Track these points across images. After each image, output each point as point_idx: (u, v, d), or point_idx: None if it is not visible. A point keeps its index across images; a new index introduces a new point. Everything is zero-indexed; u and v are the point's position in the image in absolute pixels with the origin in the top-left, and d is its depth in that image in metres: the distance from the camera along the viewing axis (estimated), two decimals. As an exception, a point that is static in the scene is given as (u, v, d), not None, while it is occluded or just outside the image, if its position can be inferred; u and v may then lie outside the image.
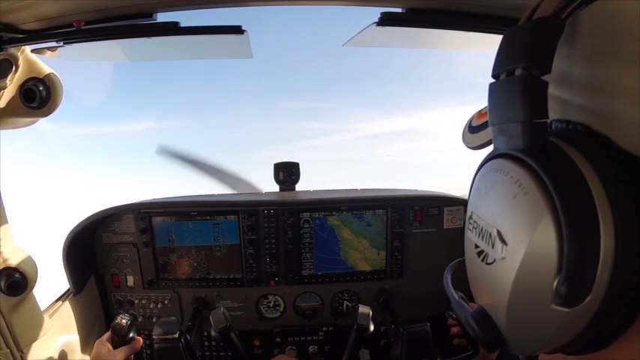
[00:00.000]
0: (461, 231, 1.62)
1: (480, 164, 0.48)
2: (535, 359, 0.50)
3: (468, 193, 0.52)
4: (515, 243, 0.38)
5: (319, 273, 1.64)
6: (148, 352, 1.65)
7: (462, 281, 0.60)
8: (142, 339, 1.55)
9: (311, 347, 1.66)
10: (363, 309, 1.36)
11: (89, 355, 1.32)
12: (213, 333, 1.36)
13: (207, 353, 1.68)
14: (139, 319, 1.65)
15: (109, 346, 1.23)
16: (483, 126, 0.76)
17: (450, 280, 0.59)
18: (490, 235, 0.42)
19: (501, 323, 0.43)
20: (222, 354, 1.68)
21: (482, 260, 0.45)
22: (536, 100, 0.39)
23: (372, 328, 1.34)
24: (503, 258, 0.40)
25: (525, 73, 0.39)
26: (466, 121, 0.85)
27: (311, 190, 1.82)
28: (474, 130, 0.79)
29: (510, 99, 0.40)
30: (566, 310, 0.35)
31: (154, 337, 1.28)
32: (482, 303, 0.46)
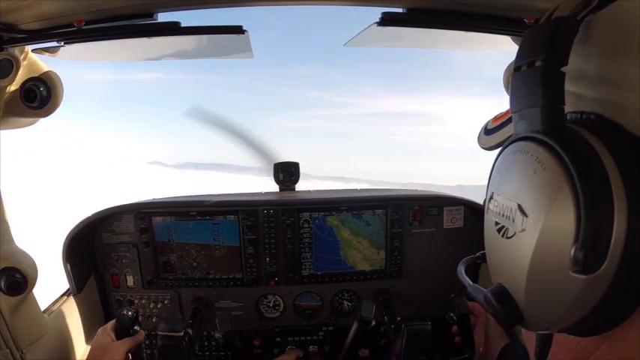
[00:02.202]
0: (461, 231, 1.63)
1: (501, 149, 0.50)
2: (549, 343, 0.51)
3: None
4: (536, 214, 0.41)
5: (319, 273, 1.64)
6: (148, 352, 1.66)
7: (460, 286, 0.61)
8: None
9: (311, 347, 1.66)
10: (368, 303, 1.39)
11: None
12: (217, 335, 1.37)
13: (207, 353, 1.68)
14: (139, 319, 1.65)
15: (113, 336, 1.25)
16: (497, 129, 0.83)
17: (463, 271, 0.62)
18: (511, 210, 0.45)
19: (520, 298, 0.44)
20: (221, 354, 1.69)
21: (502, 235, 0.47)
22: (554, 87, 0.42)
23: (373, 322, 1.38)
24: (524, 229, 0.42)
25: (544, 64, 0.43)
26: (482, 126, 0.93)
27: (311, 190, 1.82)
28: (489, 132, 0.86)
29: (531, 87, 0.44)
30: (584, 277, 0.37)
31: (159, 332, 1.30)
32: (501, 281, 0.48)
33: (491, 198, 0.51)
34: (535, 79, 0.43)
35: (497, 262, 0.50)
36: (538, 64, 0.43)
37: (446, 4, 0.96)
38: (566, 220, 0.38)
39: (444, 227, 1.64)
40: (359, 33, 1.09)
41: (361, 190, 1.81)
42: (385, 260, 1.64)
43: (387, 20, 0.97)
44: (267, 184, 1.81)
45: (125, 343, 1.25)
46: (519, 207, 0.43)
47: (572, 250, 0.37)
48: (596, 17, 0.44)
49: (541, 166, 0.41)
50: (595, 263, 0.37)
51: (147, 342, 1.65)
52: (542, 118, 0.42)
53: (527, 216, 0.42)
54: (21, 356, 1.14)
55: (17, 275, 1.09)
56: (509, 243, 0.45)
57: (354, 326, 1.39)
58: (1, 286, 1.07)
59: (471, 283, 0.55)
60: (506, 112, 0.84)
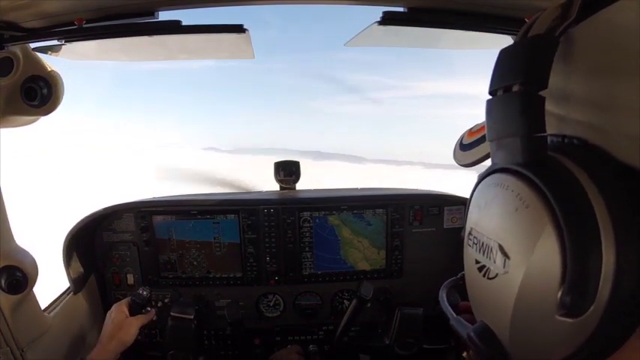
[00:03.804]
0: (461, 230, 1.63)
1: (478, 180, 0.48)
2: None
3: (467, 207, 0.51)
4: (518, 256, 0.39)
5: (319, 272, 1.64)
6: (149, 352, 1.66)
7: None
8: (142, 337, 1.57)
9: (311, 346, 1.66)
10: (367, 284, 1.44)
11: (90, 352, 1.32)
12: (226, 317, 1.49)
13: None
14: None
15: (127, 313, 1.33)
16: (474, 144, 0.76)
17: (445, 298, 0.59)
18: (491, 250, 0.43)
19: (504, 337, 0.43)
20: (221, 353, 1.69)
21: (484, 275, 0.45)
22: (534, 115, 0.39)
23: (369, 305, 1.46)
24: (506, 272, 0.40)
25: (523, 89, 0.40)
26: (458, 138, 0.84)
27: (311, 189, 1.82)
28: (465, 147, 0.79)
29: (509, 114, 0.41)
30: (571, 320, 0.36)
31: (172, 314, 1.41)
32: (484, 318, 0.46)
33: (470, 233, 0.49)
34: (513, 106, 0.40)
35: (479, 300, 0.49)
36: (515, 89, 0.40)
37: (447, 4, 0.96)
38: (550, 262, 0.36)
39: (445, 227, 1.64)
40: (360, 32, 1.09)
41: (362, 189, 1.82)
42: (385, 260, 1.64)
43: (388, 19, 0.97)
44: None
45: (139, 319, 1.34)
46: (500, 248, 0.41)
47: (559, 294, 0.35)
48: (576, 30, 0.40)
49: (523, 203, 0.38)
50: (583, 307, 0.35)
51: (146, 341, 1.65)
52: (523, 148, 0.40)
53: (509, 258, 0.40)
54: (21, 355, 1.14)
55: (18, 274, 1.09)
56: (491, 284, 0.43)
57: (353, 303, 1.45)
58: (2, 284, 1.07)
59: (454, 315, 0.53)
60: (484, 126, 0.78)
